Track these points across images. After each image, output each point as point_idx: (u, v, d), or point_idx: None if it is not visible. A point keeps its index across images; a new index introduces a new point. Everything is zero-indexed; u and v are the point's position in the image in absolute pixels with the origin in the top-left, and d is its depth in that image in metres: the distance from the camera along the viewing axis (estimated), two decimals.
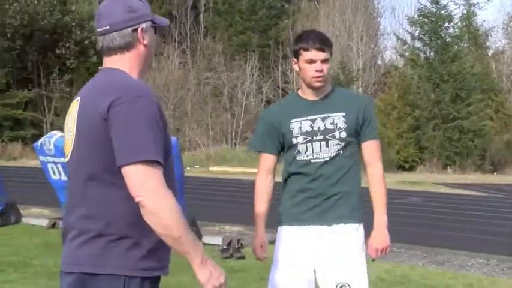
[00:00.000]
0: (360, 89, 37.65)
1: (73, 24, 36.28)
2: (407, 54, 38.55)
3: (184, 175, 9.59)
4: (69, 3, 37.87)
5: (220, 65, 39.14)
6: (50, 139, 9.50)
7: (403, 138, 33.74)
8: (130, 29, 2.49)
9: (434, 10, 36.22)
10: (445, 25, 36.31)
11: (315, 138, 3.68)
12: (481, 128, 33.75)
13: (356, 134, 3.73)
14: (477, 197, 19.94)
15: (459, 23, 39.37)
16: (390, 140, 33.67)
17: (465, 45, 38.78)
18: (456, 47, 36.46)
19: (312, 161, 3.69)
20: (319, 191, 3.68)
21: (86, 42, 36.62)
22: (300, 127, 3.69)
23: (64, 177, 9.18)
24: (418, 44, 38.01)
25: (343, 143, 3.68)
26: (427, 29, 36.07)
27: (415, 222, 12.81)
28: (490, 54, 43.90)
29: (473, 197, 19.99)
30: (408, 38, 39.39)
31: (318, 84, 3.69)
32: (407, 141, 33.67)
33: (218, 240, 9.00)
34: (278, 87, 40.43)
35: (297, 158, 3.72)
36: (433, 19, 35.92)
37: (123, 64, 2.50)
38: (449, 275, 7.95)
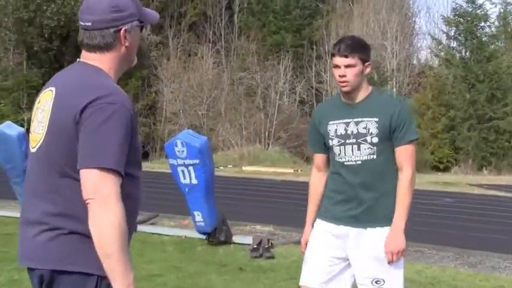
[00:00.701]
0: (394, 89, 37.42)
1: None
2: (442, 54, 38.30)
3: (214, 174, 9.62)
4: None
5: (254, 65, 39.14)
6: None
7: (437, 139, 33.51)
8: (112, 30, 2.41)
9: (470, 9, 35.94)
10: (481, 24, 36.00)
11: (347, 141, 3.79)
12: None
13: (390, 139, 3.78)
14: None
15: (495, 22, 38.95)
16: (424, 141, 33.44)
17: (501, 44, 38.34)
18: (492, 46, 36.12)
19: (346, 163, 3.82)
20: (352, 194, 3.80)
21: None
22: (336, 129, 3.83)
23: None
24: (453, 44, 37.78)
25: (375, 148, 3.77)
26: (462, 28, 35.81)
27: (447, 223, 12.71)
28: None
29: (509, 198, 19.73)
30: (443, 37, 39.14)
31: (344, 88, 3.79)
32: (442, 142, 33.43)
33: (248, 240, 9.04)
34: (312, 87, 40.34)
35: (335, 159, 3.87)
36: (469, 18, 35.63)
37: (101, 63, 2.44)
38: (481, 277, 7.87)
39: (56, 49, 37.23)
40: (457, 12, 36.66)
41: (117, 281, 2.22)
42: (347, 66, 3.73)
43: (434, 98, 34.62)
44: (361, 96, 3.83)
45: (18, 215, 11.13)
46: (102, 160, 2.21)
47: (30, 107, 35.83)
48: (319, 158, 4.04)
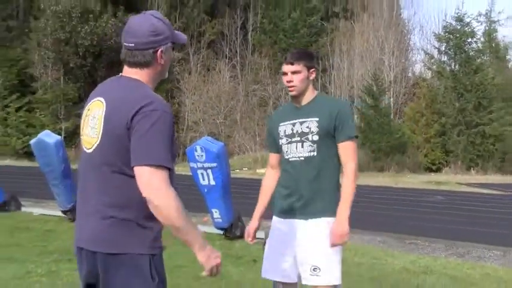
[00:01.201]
0: (392, 99, 37.33)
1: None
2: (434, 67, 38.25)
3: (230, 177, 9.63)
4: None
5: (266, 78, 39.21)
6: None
7: (430, 143, 33.42)
8: (151, 51, 2.58)
9: (459, 27, 35.84)
10: (468, 40, 35.90)
11: (293, 139, 3.79)
12: (502, 133, 33.18)
13: (331, 137, 3.75)
14: (497, 196, 19.60)
15: (481, 39, 38.82)
16: (419, 145, 33.36)
17: (487, 58, 38.24)
18: (479, 60, 36.01)
19: (291, 159, 3.80)
20: (295, 189, 3.77)
21: None
22: (285, 130, 3.83)
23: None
24: (444, 58, 37.68)
25: (315, 145, 3.73)
26: (452, 44, 35.73)
27: (439, 218, 12.67)
28: (510, 67, 43.12)
29: (494, 195, 19.65)
30: (435, 52, 39.11)
31: (291, 93, 3.81)
32: (434, 146, 33.35)
33: (261, 235, 9.03)
34: None
35: (284, 157, 3.86)
36: (458, 35, 35.56)
37: (141, 77, 2.60)
38: (468, 265, 7.85)
39: (89, 65, 37.44)
40: (447, 30, 36.57)
41: (193, 244, 2.49)
42: (293, 73, 3.76)
43: (428, 107, 34.52)
44: (306, 99, 3.82)
45: (56, 213, 11.21)
46: (151, 158, 2.39)
47: (67, 117, 36.18)
48: (273, 157, 4.02)
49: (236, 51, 43.40)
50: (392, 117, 35.66)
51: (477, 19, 40.23)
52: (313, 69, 3.83)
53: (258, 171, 29.17)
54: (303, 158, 3.76)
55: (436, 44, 39.11)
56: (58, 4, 35.83)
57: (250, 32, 45.04)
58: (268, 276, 3.95)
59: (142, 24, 2.59)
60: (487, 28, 39.95)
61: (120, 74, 2.68)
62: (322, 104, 3.81)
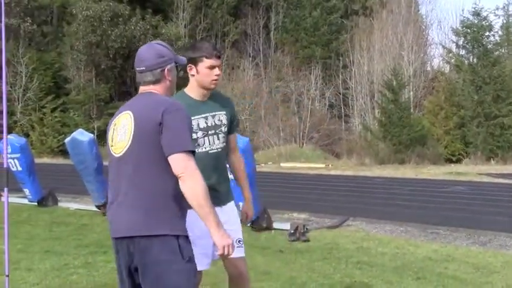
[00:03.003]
0: (411, 93, 36.99)
1: None
2: (452, 61, 37.85)
3: (256, 170, 9.63)
4: (160, 27, 38.61)
5: (289, 75, 39.13)
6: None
7: (450, 135, 33.09)
8: (159, 70, 3.05)
9: (476, 21, 35.36)
10: (486, 34, 35.38)
11: (209, 132, 3.81)
12: None
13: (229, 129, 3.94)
14: None
15: (499, 32, 38.27)
16: (439, 137, 33.05)
17: (505, 51, 37.68)
18: (496, 53, 35.52)
19: (210, 152, 3.81)
20: (214, 179, 3.77)
21: None
22: (198, 124, 3.78)
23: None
24: (462, 52, 37.22)
25: (225, 137, 3.89)
26: (469, 38, 35.27)
27: (460, 208, 12.52)
28: None
29: None
30: (453, 46, 38.65)
31: (214, 86, 3.81)
32: (454, 137, 33.02)
33: (286, 226, 9.03)
34: (339, 92, 40.17)
35: (197, 150, 3.70)
36: (475, 29, 35.08)
37: (156, 90, 3.05)
38: (490, 254, 7.74)
39: (119, 67, 37.74)
40: (465, 24, 36.12)
41: (211, 223, 2.82)
42: (219, 67, 3.80)
43: (447, 100, 34.18)
44: (208, 94, 3.85)
45: (91, 208, 11.35)
46: (185, 146, 2.82)
47: (99, 116, 36.51)
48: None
49: (259, 50, 43.38)
50: (412, 110, 35.34)
51: (495, 13, 39.76)
52: None
53: (282, 165, 29.14)
54: (220, 149, 3.87)
55: (454, 38, 38.67)
56: (89, 9, 36.11)
57: (272, 31, 44.98)
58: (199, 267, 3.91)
59: (149, 50, 3.08)
60: (504, 21, 39.33)
61: (139, 92, 3.09)
62: (220, 98, 3.96)
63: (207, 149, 3.81)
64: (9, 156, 9.94)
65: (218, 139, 3.84)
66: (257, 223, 9.29)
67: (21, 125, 36.13)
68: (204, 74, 3.75)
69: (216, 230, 2.82)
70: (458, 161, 32.29)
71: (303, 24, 43.90)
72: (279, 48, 43.51)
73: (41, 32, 40.82)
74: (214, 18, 42.75)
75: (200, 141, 3.79)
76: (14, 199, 12.15)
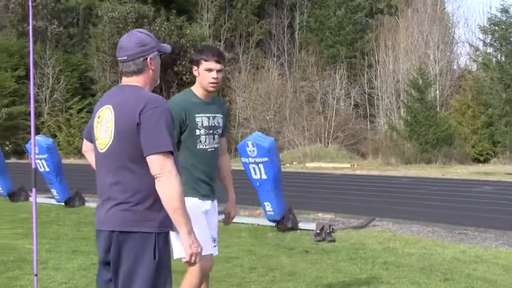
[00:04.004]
0: (438, 92, 36.63)
1: (188, 45, 36.97)
2: (479, 59, 37.37)
3: (281, 170, 9.62)
4: (184, 28, 38.76)
5: (314, 75, 39.01)
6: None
7: (477, 134, 32.70)
8: (141, 59, 2.99)
9: (504, 18, 34.88)
10: None
11: (210, 131, 4.07)
12: None
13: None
14: None
15: None
16: (466, 136, 32.67)
17: None
18: None
19: (209, 150, 4.06)
20: (211, 174, 4.09)
21: None
22: (202, 121, 4.03)
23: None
24: (489, 50, 36.74)
25: (218, 138, 4.14)
26: (497, 35, 34.79)
27: (488, 208, 12.36)
28: None
29: None
30: (480, 44, 38.13)
31: (212, 89, 4.05)
32: (482, 137, 32.61)
33: (312, 226, 9.00)
34: (364, 92, 39.94)
35: (198, 146, 4.03)
36: (503, 27, 34.61)
37: (138, 82, 3.01)
38: None
39: None
40: (492, 22, 35.67)
41: (183, 227, 2.82)
42: (218, 71, 4.00)
43: (474, 98, 33.80)
44: (211, 95, 4.13)
45: None
46: (162, 147, 2.80)
47: None
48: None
49: (284, 50, 43.32)
50: (438, 109, 34.99)
51: None
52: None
53: (307, 164, 29.07)
54: (214, 148, 4.10)
55: (481, 36, 38.18)
56: (114, 11, 36.40)
57: (297, 31, 44.87)
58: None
59: (130, 39, 3.00)
60: None
61: (121, 83, 3.08)
62: (218, 101, 4.24)
63: (206, 146, 4.06)
64: (36, 157, 10.05)
65: (213, 139, 4.09)
66: (282, 223, 9.28)
67: (48, 126, 36.61)
68: (203, 75, 4.03)
69: (187, 237, 2.83)
70: (486, 160, 31.89)
71: (327, 23, 43.72)
72: (303, 48, 43.39)
73: (68, 33, 41.31)
74: (239, 18, 42.78)
75: (202, 138, 4.04)
76: (42, 199, 12.31)
